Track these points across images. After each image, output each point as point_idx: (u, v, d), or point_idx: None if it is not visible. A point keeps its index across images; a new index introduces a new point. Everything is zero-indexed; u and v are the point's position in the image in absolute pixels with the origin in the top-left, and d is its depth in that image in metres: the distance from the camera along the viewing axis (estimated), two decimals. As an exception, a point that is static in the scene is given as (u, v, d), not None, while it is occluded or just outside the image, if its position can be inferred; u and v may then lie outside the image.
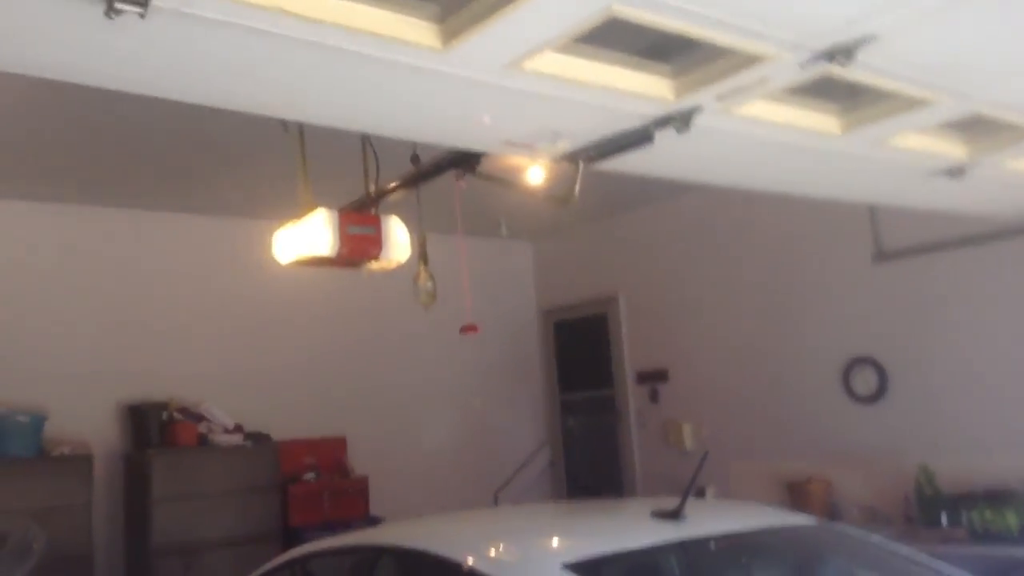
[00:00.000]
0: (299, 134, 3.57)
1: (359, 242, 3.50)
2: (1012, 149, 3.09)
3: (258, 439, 6.69)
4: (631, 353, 7.91)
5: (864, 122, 2.93)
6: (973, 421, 5.61)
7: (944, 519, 5.31)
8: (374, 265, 3.65)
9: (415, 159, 3.83)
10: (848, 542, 3.20)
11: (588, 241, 8.28)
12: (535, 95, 2.58)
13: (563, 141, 3.06)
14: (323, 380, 7.51)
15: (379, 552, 3.17)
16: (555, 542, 2.87)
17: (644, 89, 2.70)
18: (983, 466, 5.40)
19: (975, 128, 3.05)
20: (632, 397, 7.86)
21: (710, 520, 3.03)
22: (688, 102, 2.78)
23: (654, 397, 7.66)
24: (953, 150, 3.11)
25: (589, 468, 8.32)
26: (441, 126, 2.87)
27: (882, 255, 5.79)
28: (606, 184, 7.16)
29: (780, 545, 3.05)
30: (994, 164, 3.22)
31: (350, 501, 7.07)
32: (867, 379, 6.23)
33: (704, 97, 2.77)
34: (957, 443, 5.63)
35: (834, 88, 2.86)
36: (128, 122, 5.04)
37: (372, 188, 3.66)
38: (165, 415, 6.43)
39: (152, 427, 6.35)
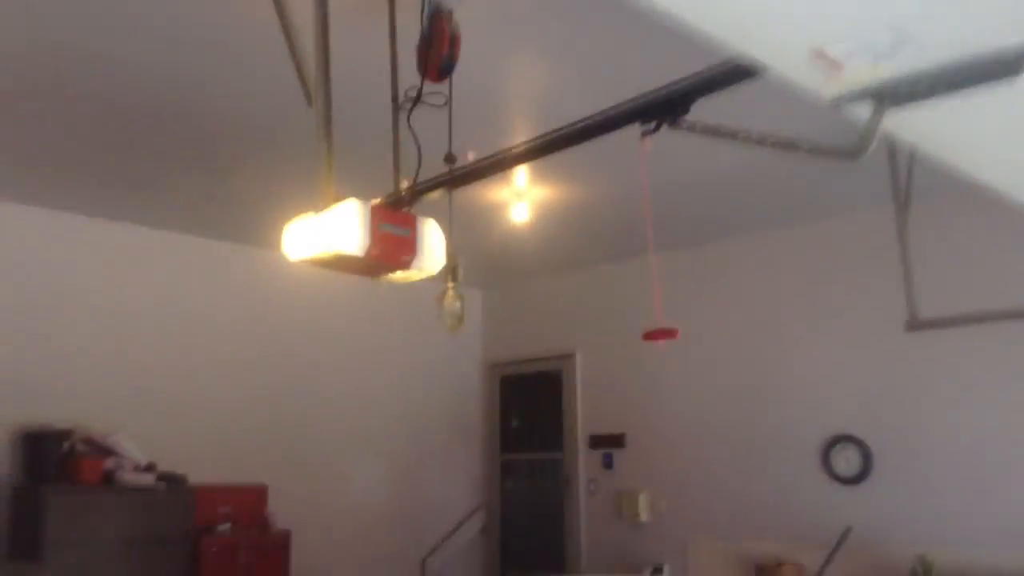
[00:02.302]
0: (324, 107, 2.98)
1: (392, 243, 2.89)
2: None
3: (172, 481, 5.82)
4: (585, 415, 7.39)
5: None
6: (968, 508, 5.30)
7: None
8: (399, 275, 3.05)
9: (450, 158, 3.28)
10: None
11: (544, 293, 7.78)
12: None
13: (888, 61, 2.12)
14: (248, 420, 6.72)
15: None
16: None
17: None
18: (980, 557, 5.07)
19: None
20: (583, 462, 7.32)
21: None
22: None
23: (608, 464, 7.14)
24: None
25: (527, 537, 7.69)
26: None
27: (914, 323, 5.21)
28: (570, 237, 6.80)
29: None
30: None
31: (269, 559, 6.24)
32: (849, 458, 5.89)
33: None
34: (951, 531, 5.30)
35: None
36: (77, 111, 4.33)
37: (408, 181, 3.07)
38: (67, 445, 5.52)
39: (50, 458, 5.43)
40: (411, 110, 3.09)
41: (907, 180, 4.39)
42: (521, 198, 5.72)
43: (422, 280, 3.10)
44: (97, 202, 5.91)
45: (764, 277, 6.42)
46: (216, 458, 6.39)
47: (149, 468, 5.74)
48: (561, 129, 3.00)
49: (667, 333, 3.90)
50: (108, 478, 5.53)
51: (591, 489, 7.22)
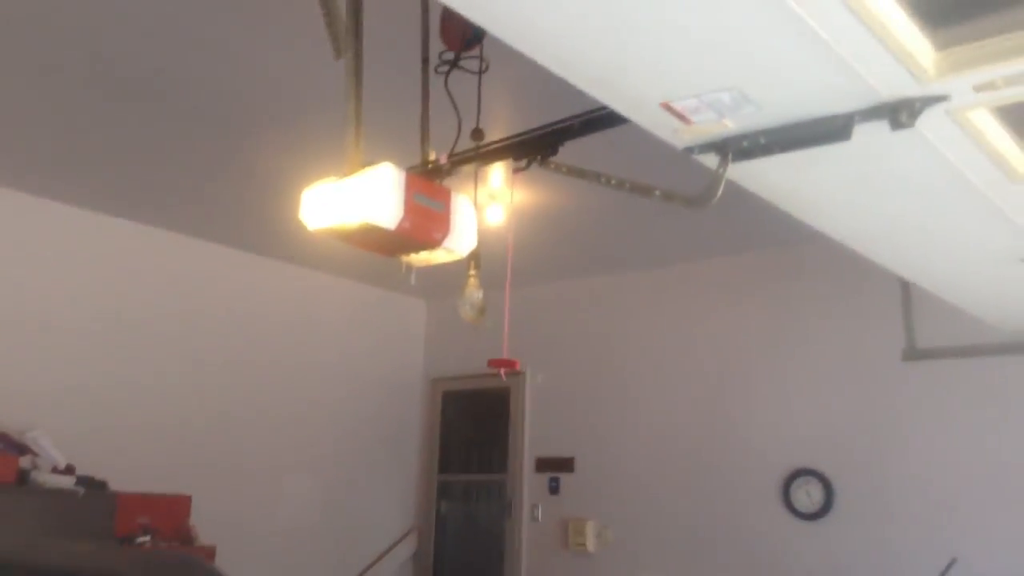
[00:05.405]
0: (355, 61, 2.64)
1: (425, 217, 2.58)
2: None
3: (92, 485, 5.27)
4: (532, 436, 7.10)
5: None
6: (931, 547, 5.21)
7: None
8: (423, 255, 2.73)
9: (478, 134, 2.99)
10: None
11: (494, 306, 7.44)
12: (746, 33, 1.77)
13: (731, 118, 2.13)
14: (174, 426, 6.20)
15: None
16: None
17: (903, 52, 1.85)
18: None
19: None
20: (528, 486, 7.01)
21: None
22: (940, 87, 1.96)
23: (555, 489, 6.86)
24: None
25: (463, 565, 7.31)
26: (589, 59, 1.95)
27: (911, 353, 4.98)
28: (531, 249, 6.54)
29: None
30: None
31: (190, 575, 5.71)
32: (811, 493, 5.75)
33: (960, 84, 1.95)
34: (913, 571, 5.21)
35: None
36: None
37: (446, 153, 2.76)
38: (-23, 440, 4.94)
39: (-44, 454, 4.84)
40: (448, 74, 2.79)
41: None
42: (495, 199, 5.44)
43: (445, 263, 2.78)
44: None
45: (735, 301, 6.27)
46: (138, 464, 5.84)
47: (68, 470, 5.19)
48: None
49: (507, 364, 3.94)
50: (22, 478, 4.96)
51: (535, 515, 6.92)
